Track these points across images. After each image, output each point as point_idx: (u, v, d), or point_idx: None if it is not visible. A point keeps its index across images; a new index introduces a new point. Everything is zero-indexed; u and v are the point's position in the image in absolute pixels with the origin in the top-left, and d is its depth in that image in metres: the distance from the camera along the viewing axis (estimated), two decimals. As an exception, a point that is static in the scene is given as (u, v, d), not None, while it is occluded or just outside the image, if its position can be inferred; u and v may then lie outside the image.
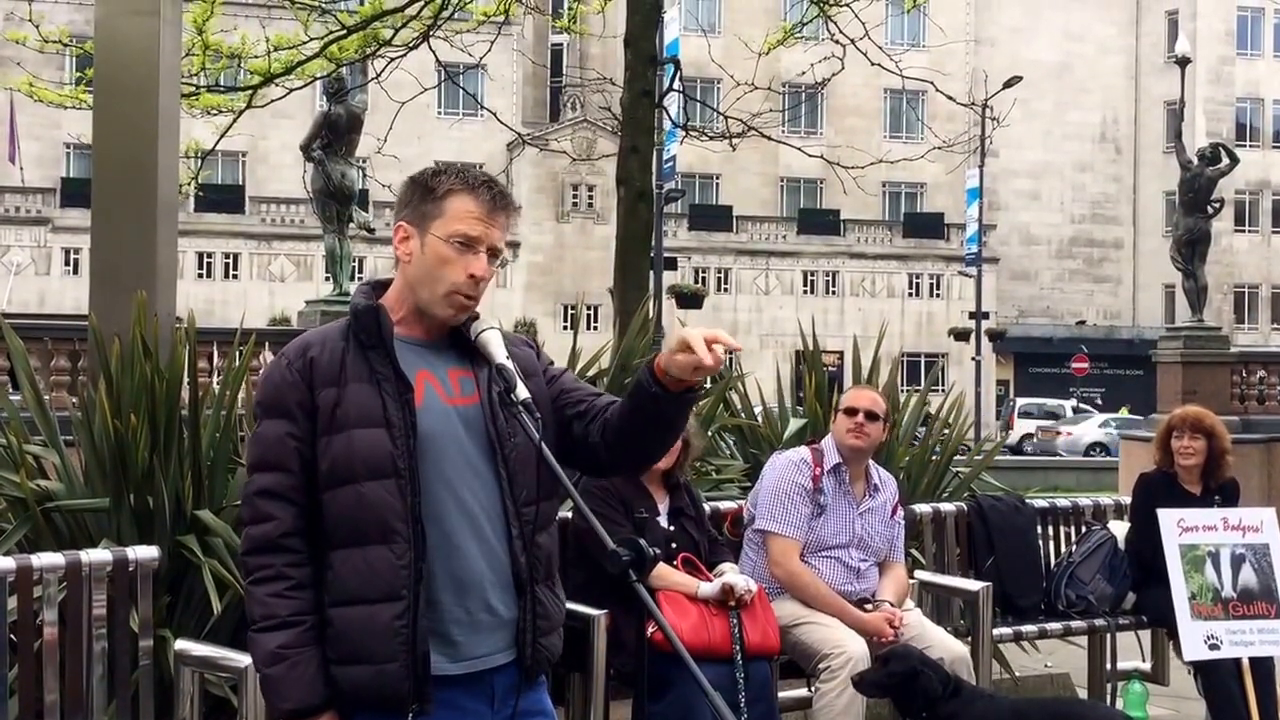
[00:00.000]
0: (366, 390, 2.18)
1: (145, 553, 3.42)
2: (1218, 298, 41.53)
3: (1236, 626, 4.76)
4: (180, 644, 3.33)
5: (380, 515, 2.15)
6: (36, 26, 9.96)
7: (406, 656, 2.13)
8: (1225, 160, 14.93)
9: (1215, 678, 4.83)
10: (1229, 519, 4.96)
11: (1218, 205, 15.10)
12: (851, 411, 4.42)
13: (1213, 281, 19.92)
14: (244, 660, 3.06)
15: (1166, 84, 44.27)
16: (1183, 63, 23.20)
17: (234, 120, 10.02)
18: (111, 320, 4.17)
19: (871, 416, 4.40)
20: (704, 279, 41.71)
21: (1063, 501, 5.78)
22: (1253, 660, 4.77)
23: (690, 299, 34.16)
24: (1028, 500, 5.58)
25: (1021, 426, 36.39)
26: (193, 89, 9.62)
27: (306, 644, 2.15)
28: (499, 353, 2.24)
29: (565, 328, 37.45)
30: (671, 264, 27.51)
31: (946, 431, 6.08)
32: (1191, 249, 14.65)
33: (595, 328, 31.75)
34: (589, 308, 33.99)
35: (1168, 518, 4.90)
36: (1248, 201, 47.71)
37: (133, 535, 3.83)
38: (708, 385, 6.07)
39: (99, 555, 3.37)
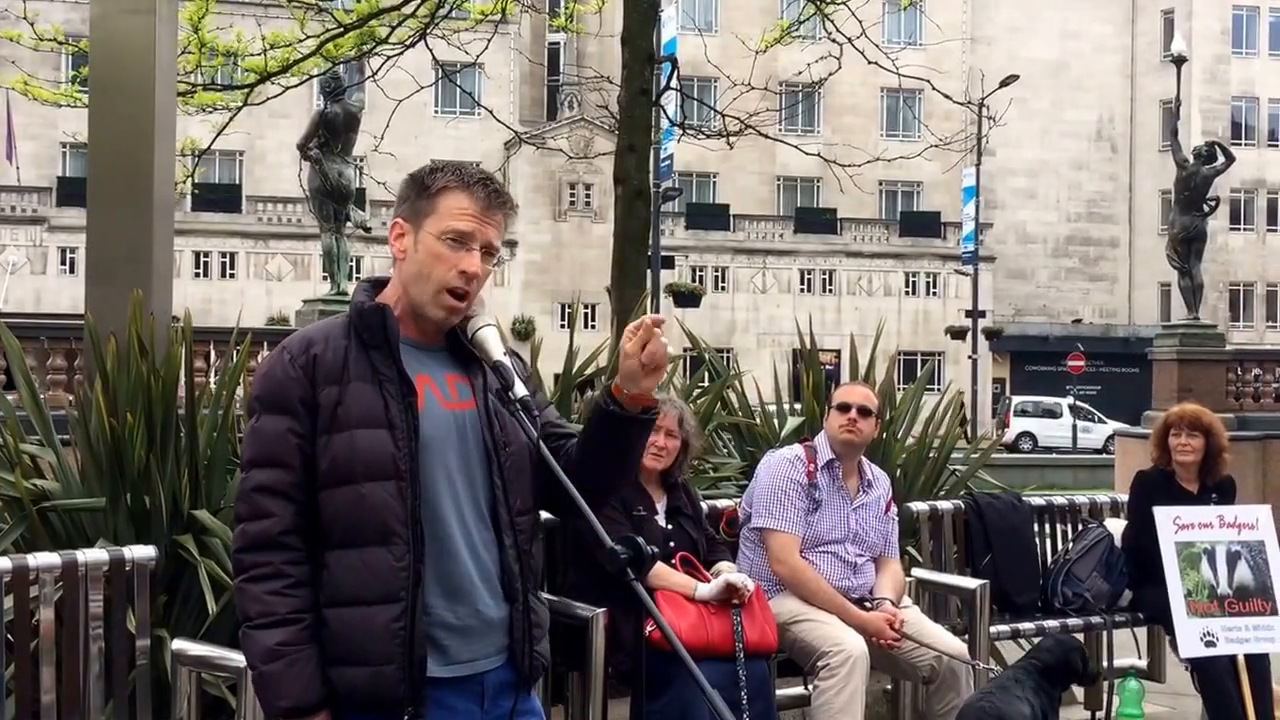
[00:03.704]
0: (369, 390, 2.16)
1: (142, 552, 3.41)
2: (1213, 296, 41.59)
3: (1232, 624, 4.76)
4: (177, 643, 3.32)
5: (380, 517, 2.13)
6: (32, 25, 9.93)
7: (403, 659, 2.12)
8: (1221, 159, 14.95)
9: (1211, 675, 4.83)
10: (1225, 516, 4.96)
11: (1213, 204, 15.12)
12: (844, 408, 4.43)
13: (1208, 280, 19.95)
14: (241, 660, 3.05)
15: (1162, 83, 44.32)
16: (1178, 61, 23.21)
17: (230, 118, 10.01)
18: (108, 319, 4.16)
19: (864, 412, 4.41)
20: (701, 277, 41.72)
21: (1059, 499, 5.78)
22: (1248, 657, 4.77)
23: (688, 297, 34.18)
24: (1024, 498, 5.59)
25: (1017, 424, 36.44)
26: (188, 87, 9.61)
27: (304, 642, 2.13)
28: (496, 350, 2.23)
29: (562, 326, 37.44)
30: (669, 262, 27.54)
31: (942, 431, 6.08)
32: (1187, 247, 14.67)
33: (593, 326, 31.75)
34: (586, 306, 33.99)
35: (1164, 515, 4.91)
36: (1243, 200, 47.76)
37: (129, 535, 3.82)
38: (705, 384, 6.07)
39: (95, 555, 3.36)
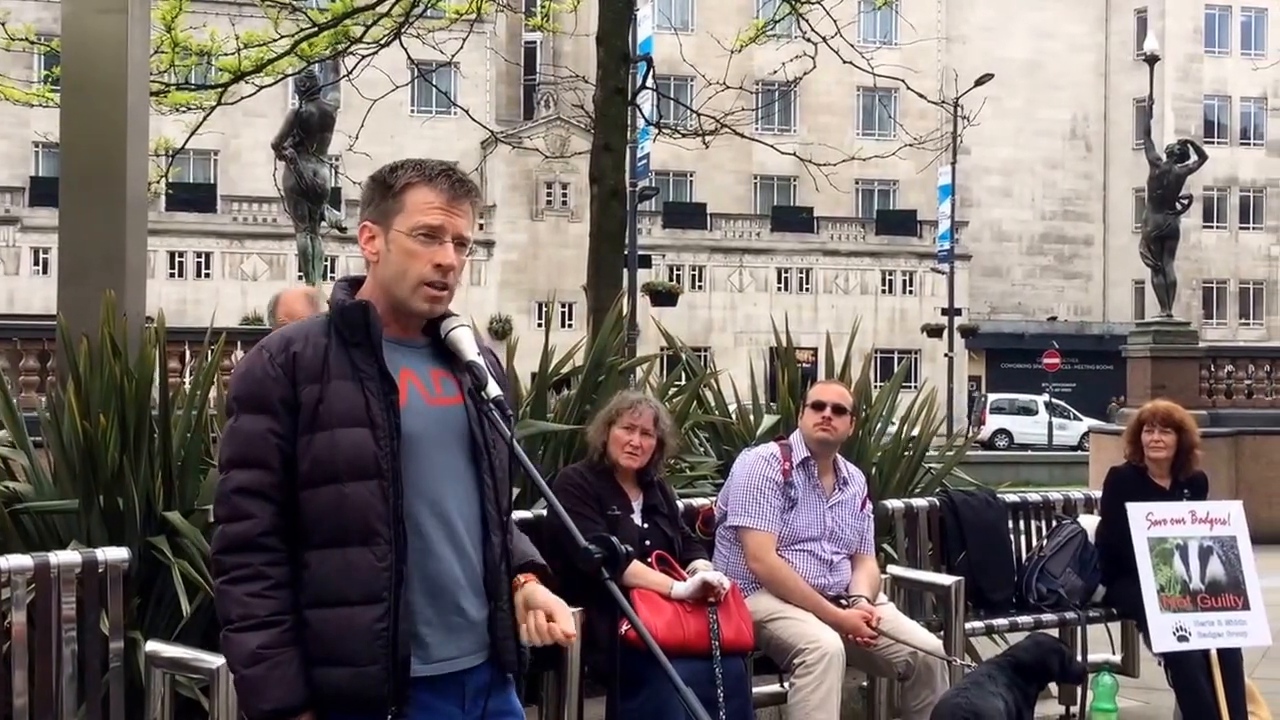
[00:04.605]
0: (350, 388, 2.15)
1: (115, 554, 3.39)
2: (1186, 293, 41.96)
3: (1204, 618, 4.80)
4: (151, 645, 3.31)
5: (363, 516, 2.12)
6: (3, 24, 9.84)
7: (386, 659, 2.11)
8: (1193, 157, 15.08)
9: (1184, 669, 4.87)
10: (1197, 512, 5.01)
11: (1186, 201, 15.25)
12: (819, 406, 4.45)
13: (1181, 277, 20.10)
14: (215, 661, 3.05)
15: (1136, 81, 44.64)
16: (1151, 60, 23.40)
17: (204, 118, 9.94)
18: (80, 320, 4.13)
19: (839, 410, 4.43)
20: (678, 276, 41.74)
21: (1033, 496, 5.82)
22: (1220, 651, 4.81)
23: (665, 297, 34.18)
24: (999, 495, 5.62)
25: (993, 422, 36.65)
26: (162, 87, 9.54)
27: (286, 644, 2.11)
28: (470, 350, 2.22)
29: (539, 325, 37.39)
30: (646, 262, 27.47)
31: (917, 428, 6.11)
32: (1160, 245, 14.78)
33: (570, 325, 31.69)
34: (563, 305, 33.97)
35: (1137, 511, 4.95)
36: (1216, 198, 48.18)
37: (102, 536, 3.79)
38: (681, 383, 6.08)
39: (68, 557, 3.34)
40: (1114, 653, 5.61)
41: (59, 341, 4.18)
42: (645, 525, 4.18)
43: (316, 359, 2.16)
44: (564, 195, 41.66)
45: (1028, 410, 37.95)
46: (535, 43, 42.98)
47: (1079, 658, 5.30)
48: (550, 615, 2.19)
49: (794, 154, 11.87)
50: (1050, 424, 36.07)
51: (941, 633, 4.67)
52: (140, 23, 4.66)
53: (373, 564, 2.12)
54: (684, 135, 11.83)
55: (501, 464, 2.24)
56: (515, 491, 3.80)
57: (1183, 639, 4.77)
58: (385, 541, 2.12)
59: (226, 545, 2.15)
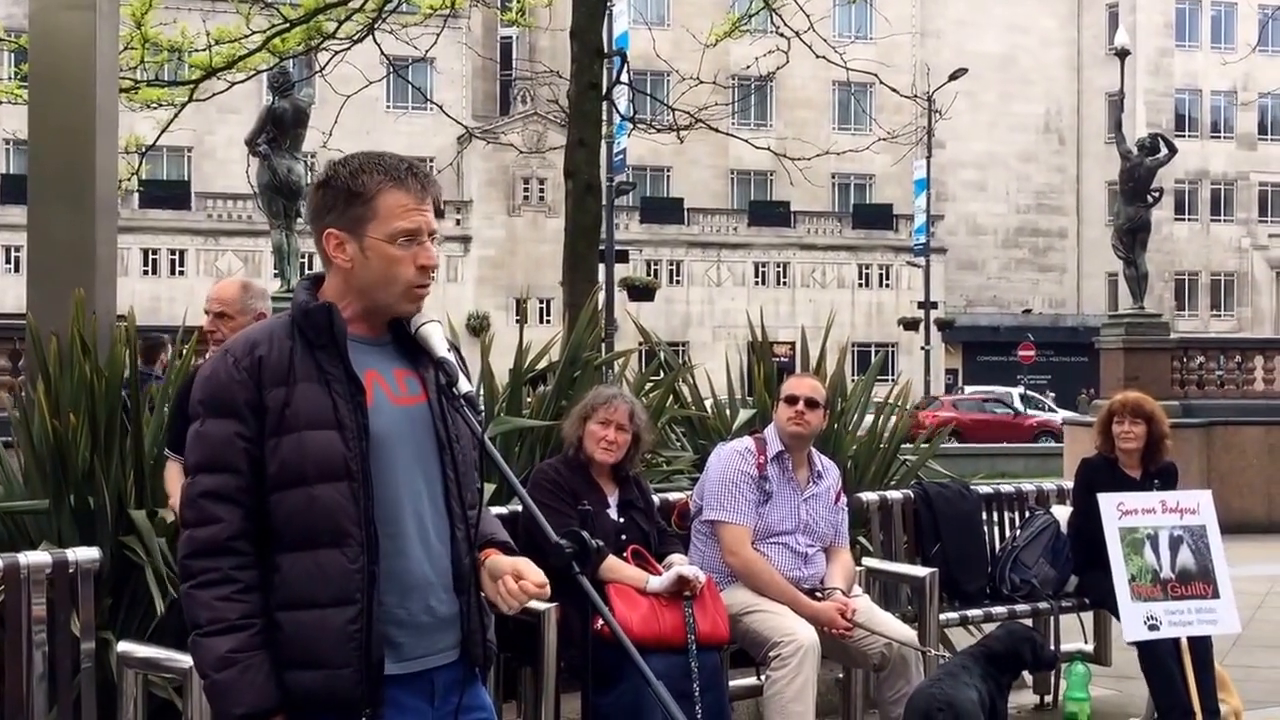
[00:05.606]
0: (317, 391, 2.14)
1: (85, 554, 3.36)
2: (1159, 285, 42.34)
3: (1175, 607, 4.85)
4: (123, 645, 3.29)
5: (333, 518, 2.11)
6: (-29, 20, 9.75)
7: (360, 661, 2.11)
8: (1164, 150, 15.18)
9: (1155, 657, 4.92)
10: (1167, 501, 5.05)
11: (1157, 194, 15.34)
12: (792, 400, 4.47)
13: (1153, 269, 20.28)
14: (188, 661, 3.02)
15: (1108, 75, 44.94)
16: (1122, 55, 23.52)
17: (175, 115, 9.89)
18: (50, 318, 4.11)
19: (811, 404, 4.45)
20: (656, 271, 41.77)
21: (1006, 487, 5.87)
22: (1191, 639, 4.87)
23: (642, 291, 34.18)
24: (972, 486, 5.66)
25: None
26: (132, 83, 9.47)
27: (256, 647, 2.10)
28: (440, 346, 2.22)
29: (518, 321, 37.31)
30: (623, 256, 27.49)
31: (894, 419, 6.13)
32: (1132, 237, 14.87)
33: (548, 321, 31.69)
34: (541, 301, 33.96)
35: (1108, 501, 4.99)
36: (1187, 190, 48.57)
37: (74, 536, 3.77)
38: (657, 378, 6.09)
39: (37, 557, 3.31)
40: (1086, 642, 5.66)
41: (28, 340, 4.15)
42: (621, 520, 4.19)
43: (282, 362, 2.15)
44: (541, 190, 41.59)
45: (1003, 403, 38.13)
46: (511, 38, 42.86)
47: (1052, 647, 5.34)
48: (518, 575, 2.17)
49: (769, 149, 11.91)
50: (1026, 416, 36.23)
51: (916, 624, 4.69)
52: (109, 18, 4.63)
53: (344, 566, 2.11)
54: (660, 130, 11.85)
55: (465, 458, 2.23)
56: (491, 488, 3.82)
57: (1154, 628, 4.81)
58: (357, 543, 2.12)
59: (194, 550, 2.13)
